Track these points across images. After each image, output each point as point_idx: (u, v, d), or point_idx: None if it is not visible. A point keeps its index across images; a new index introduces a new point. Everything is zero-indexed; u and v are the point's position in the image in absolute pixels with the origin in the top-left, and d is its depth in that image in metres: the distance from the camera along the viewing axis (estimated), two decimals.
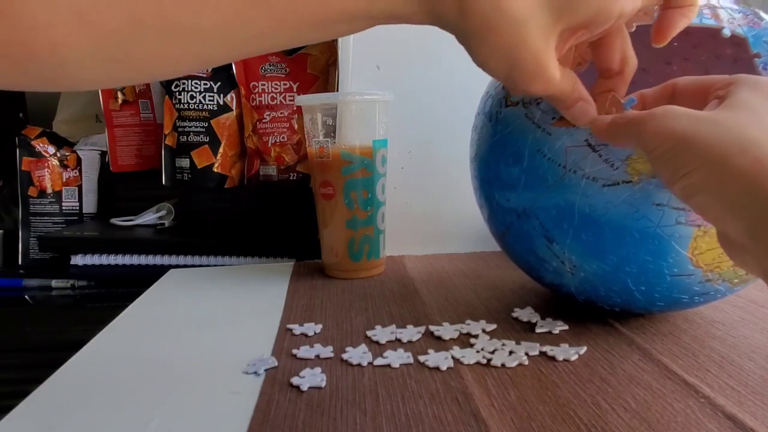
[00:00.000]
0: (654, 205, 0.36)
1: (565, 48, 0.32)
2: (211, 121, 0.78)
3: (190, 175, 0.79)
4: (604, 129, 0.34)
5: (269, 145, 0.79)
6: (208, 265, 0.72)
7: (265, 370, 0.38)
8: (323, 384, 0.36)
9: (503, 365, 0.38)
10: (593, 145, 0.37)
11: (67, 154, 0.87)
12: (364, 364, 0.39)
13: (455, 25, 0.30)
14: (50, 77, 0.26)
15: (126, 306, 0.53)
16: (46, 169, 0.85)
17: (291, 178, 0.80)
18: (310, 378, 0.37)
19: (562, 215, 0.39)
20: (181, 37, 0.27)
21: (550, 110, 0.39)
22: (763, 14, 0.40)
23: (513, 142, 0.41)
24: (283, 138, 0.79)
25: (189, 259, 0.74)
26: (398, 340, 0.43)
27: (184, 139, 0.78)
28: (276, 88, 0.79)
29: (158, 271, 0.65)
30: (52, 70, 0.25)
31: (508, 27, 0.29)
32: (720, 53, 0.43)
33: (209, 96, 0.78)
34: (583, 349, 0.40)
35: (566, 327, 0.44)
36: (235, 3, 0.27)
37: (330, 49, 0.80)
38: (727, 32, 0.38)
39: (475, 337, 0.43)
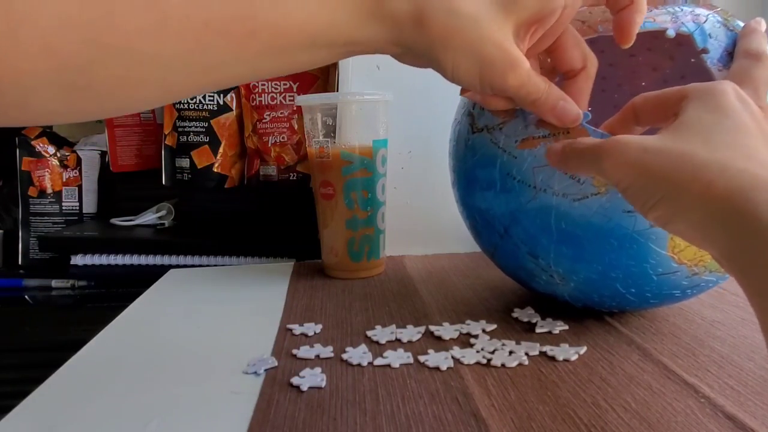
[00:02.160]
0: (625, 213, 0.36)
1: (525, 46, 0.33)
2: (211, 121, 0.78)
3: (190, 175, 0.79)
4: (557, 157, 0.34)
5: (269, 145, 0.79)
6: (208, 265, 0.72)
7: (265, 370, 0.38)
8: (323, 384, 0.36)
9: (503, 365, 0.38)
10: None
11: (67, 154, 0.87)
12: (364, 364, 0.39)
13: (417, 41, 0.31)
14: (11, 109, 0.26)
15: (126, 306, 0.53)
16: (46, 169, 0.85)
17: (291, 178, 0.80)
18: (310, 378, 0.37)
19: (540, 232, 0.39)
20: (144, 63, 0.27)
21: (512, 134, 0.39)
22: (704, 10, 0.40)
23: (484, 168, 0.42)
24: (283, 138, 0.79)
25: (189, 259, 0.74)
26: (398, 340, 0.43)
27: (184, 139, 0.78)
28: (276, 88, 0.79)
29: (158, 271, 0.65)
30: (14, 101, 0.25)
31: (466, 25, 0.30)
32: (682, 40, 0.43)
33: (209, 96, 0.78)
34: (583, 349, 0.40)
35: (566, 327, 0.44)
36: (196, 30, 0.27)
37: None
38: (671, 32, 0.38)
39: (475, 337, 0.43)
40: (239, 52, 0.29)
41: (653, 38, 0.45)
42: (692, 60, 0.45)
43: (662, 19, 0.38)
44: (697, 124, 0.27)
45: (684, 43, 0.43)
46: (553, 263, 0.40)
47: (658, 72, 0.48)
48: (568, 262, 0.40)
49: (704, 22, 0.38)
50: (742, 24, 0.39)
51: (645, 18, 0.38)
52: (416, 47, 0.32)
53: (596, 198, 0.36)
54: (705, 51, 0.37)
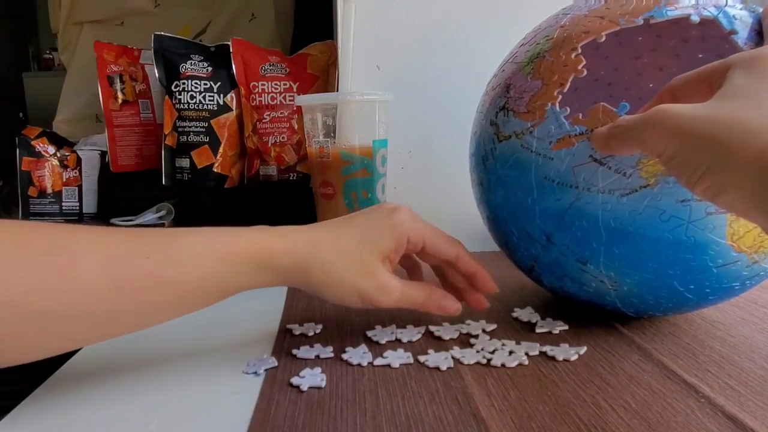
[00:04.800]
0: (679, 203, 0.35)
1: (392, 267, 0.41)
2: (211, 121, 0.78)
3: (190, 175, 0.79)
4: (603, 140, 0.34)
5: (269, 145, 0.79)
6: None
7: (265, 370, 0.38)
8: (323, 384, 0.36)
9: (503, 365, 0.38)
10: (599, 159, 0.36)
11: (67, 154, 0.87)
12: (364, 364, 0.39)
13: (302, 283, 0.38)
14: None
15: None
16: (46, 169, 0.85)
17: (291, 178, 0.80)
18: (310, 378, 0.37)
19: (588, 235, 0.38)
20: (52, 321, 0.30)
21: (545, 135, 0.38)
22: None
23: (516, 176, 0.40)
24: (283, 138, 0.79)
25: None
26: (398, 340, 0.43)
27: (184, 139, 0.78)
28: (276, 88, 0.79)
29: None
30: None
31: (339, 272, 0.38)
32: (687, 36, 0.43)
33: (209, 96, 0.78)
34: (583, 349, 0.40)
35: (566, 327, 0.44)
36: (102, 289, 0.31)
37: (330, 49, 0.80)
38: (695, 18, 0.37)
39: (475, 337, 0.43)
40: (143, 306, 0.33)
41: (657, 37, 0.45)
42: (700, 56, 0.44)
43: (684, 6, 0.37)
44: (745, 90, 0.26)
45: (689, 40, 0.42)
46: (603, 267, 0.38)
47: (665, 72, 0.47)
48: (621, 263, 0.38)
49: (725, 5, 0.37)
50: (759, 6, 0.39)
51: (666, 6, 0.37)
52: (302, 286, 0.39)
53: (646, 190, 0.35)
54: (733, 32, 0.36)
